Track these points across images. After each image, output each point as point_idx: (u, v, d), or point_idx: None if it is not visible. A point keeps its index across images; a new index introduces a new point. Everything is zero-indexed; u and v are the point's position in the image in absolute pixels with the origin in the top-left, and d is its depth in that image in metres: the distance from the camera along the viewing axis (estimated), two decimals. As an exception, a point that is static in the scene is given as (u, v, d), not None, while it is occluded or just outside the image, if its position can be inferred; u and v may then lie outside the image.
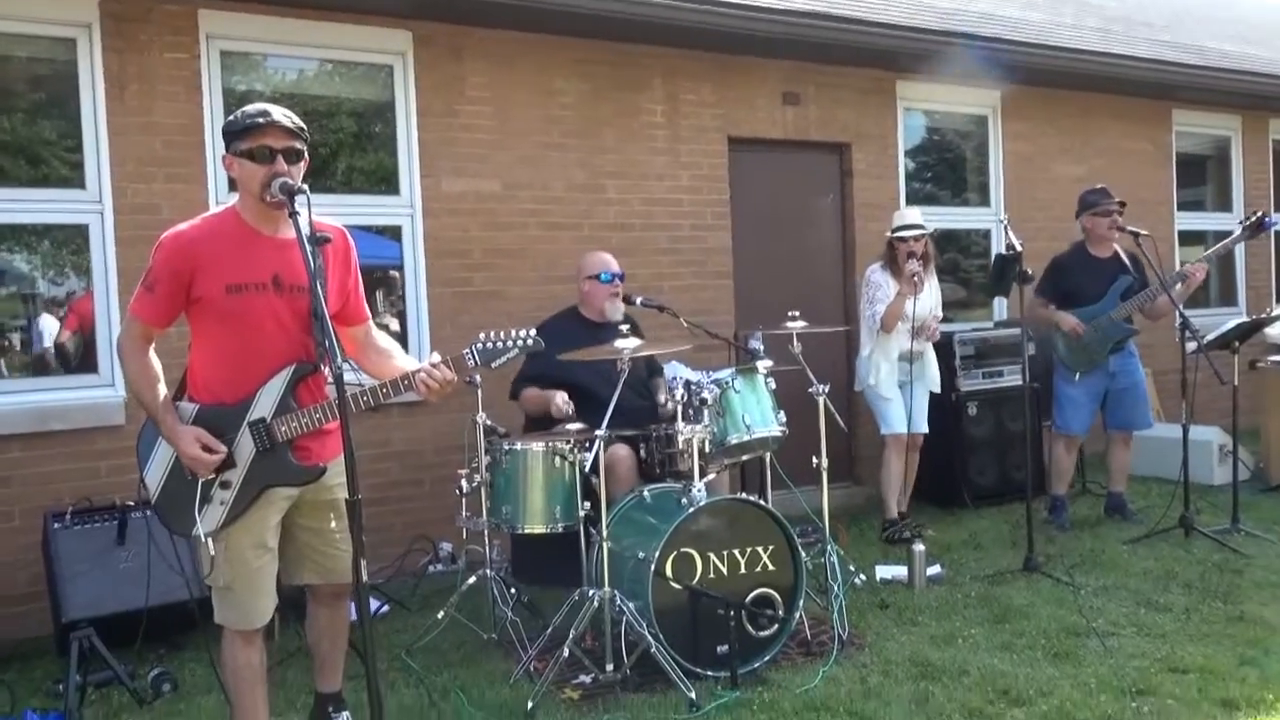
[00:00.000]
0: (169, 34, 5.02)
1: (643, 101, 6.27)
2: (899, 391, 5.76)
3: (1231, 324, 5.77)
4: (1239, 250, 9.23)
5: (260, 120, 2.78)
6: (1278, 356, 6.79)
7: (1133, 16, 9.59)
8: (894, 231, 5.74)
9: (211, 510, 2.87)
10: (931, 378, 5.91)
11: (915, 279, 5.49)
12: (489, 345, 2.97)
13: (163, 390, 2.90)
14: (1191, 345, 5.21)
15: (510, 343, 2.97)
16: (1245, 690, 3.47)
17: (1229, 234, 5.63)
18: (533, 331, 3.00)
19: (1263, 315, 6.13)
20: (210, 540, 2.87)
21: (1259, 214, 5.49)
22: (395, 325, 5.79)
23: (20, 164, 4.95)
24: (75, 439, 4.75)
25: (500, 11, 5.53)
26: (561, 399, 4.51)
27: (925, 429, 5.88)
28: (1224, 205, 9.34)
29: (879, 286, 5.72)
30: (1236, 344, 5.69)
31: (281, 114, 2.82)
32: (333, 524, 3.06)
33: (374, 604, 4.75)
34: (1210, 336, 5.61)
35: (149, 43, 4.98)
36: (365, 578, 2.47)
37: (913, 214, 5.88)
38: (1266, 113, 9.33)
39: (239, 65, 5.38)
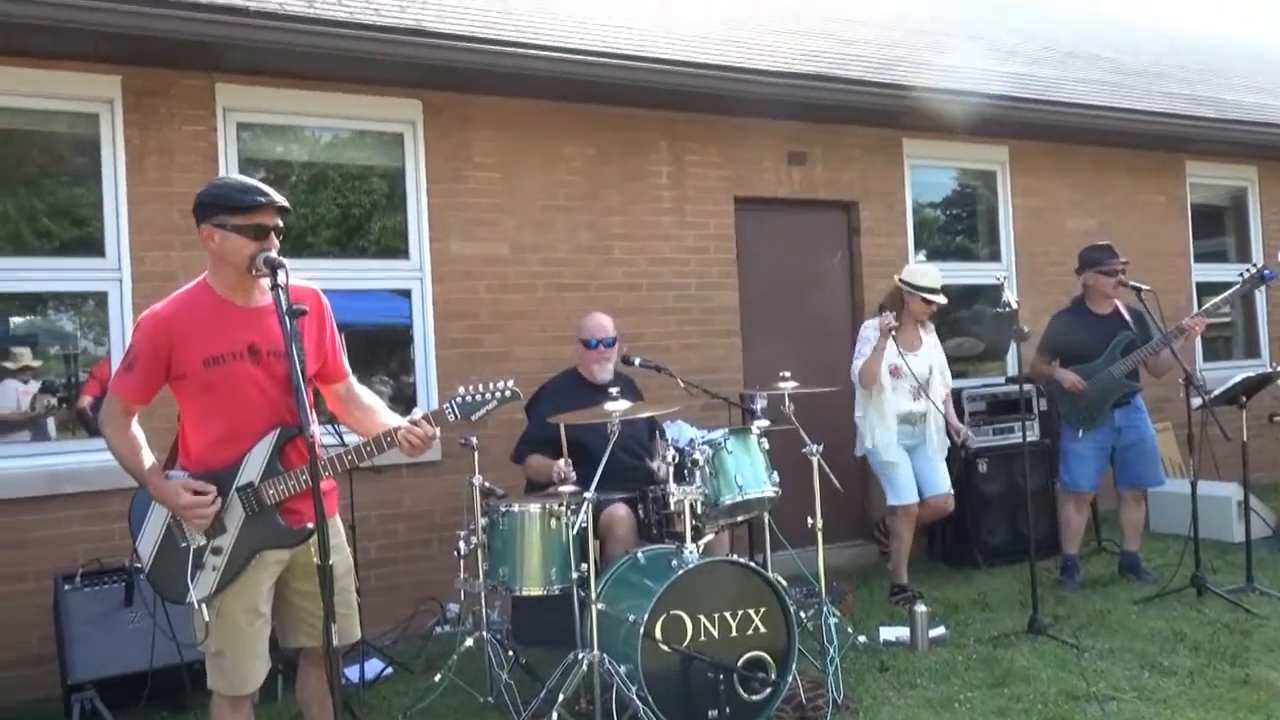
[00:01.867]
0: (188, 107, 5.22)
1: (649, 164, 6.39)
2: (905, 455, 5.54)
3: (1237, 379, 5.72)
4: (1261, 304, 9.16)
5: (261, 200, 2.88)
6: (1297, 410, 6.71)
7: (1148, 69, 9.63)
8: (913, 287, 5.48)
9: (204, 576, 2.93)
10: (935, 442, 5.58)
11: (891, 331, 5.25)
12: (469, 398, 3.05)
13: (148, 457, 2.97)
14: (1196, 401, 5.17)
15: (489, 394, 3.05)
16: (1242, 758, 3.42)
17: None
18: (511, 382, 3.07)
19: (1269, 370, 6.06)
20: (204, 606, 2.93)
21: (1259, 266, 5.50)
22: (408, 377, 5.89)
23: (43, 234, 5.14)
24: (89, 501, 4.87)
25: (507, 80, 5.68)
26: (562, 464, 4.51)
27: (947, 490, 5.56)
28: (1245, 256, 9.25)
29: (867, 341, 5.46)
30: (1244, 399, 5.64)
31: (275, 194, 2.93)
32: None
33: (377, 666, 4.79)
34: (1216, 391, 5.58)
35: (169, 116, 5.18)
36: (336, 642, 2.51)
37: (932, 274, 5.56)
38: (1284, 162, 9.29)
39: (254, 135, 5.57)
